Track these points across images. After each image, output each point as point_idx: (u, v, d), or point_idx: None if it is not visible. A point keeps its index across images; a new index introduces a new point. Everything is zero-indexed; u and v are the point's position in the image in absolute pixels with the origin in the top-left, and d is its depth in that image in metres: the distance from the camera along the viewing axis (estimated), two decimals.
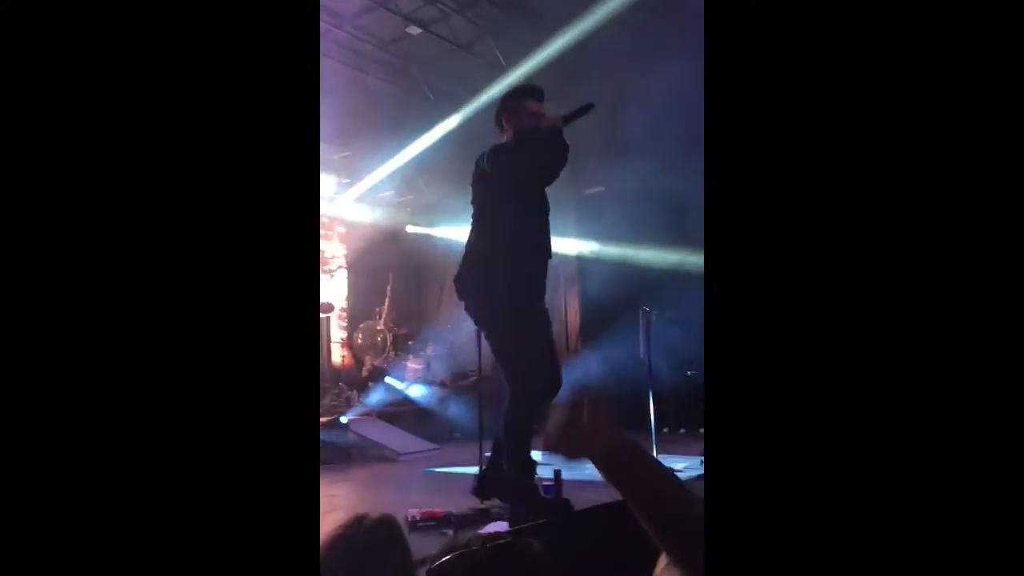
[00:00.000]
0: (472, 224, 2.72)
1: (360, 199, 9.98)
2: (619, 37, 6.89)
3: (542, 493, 2.83)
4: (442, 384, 8.58)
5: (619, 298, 8.51)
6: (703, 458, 4.77)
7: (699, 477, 4.39)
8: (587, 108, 2.80)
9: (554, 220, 3.00)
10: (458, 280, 2.70)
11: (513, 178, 2.60)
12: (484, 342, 2.81)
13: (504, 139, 2.76)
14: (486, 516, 3.44)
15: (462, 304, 2.76)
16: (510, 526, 2.50)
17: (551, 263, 2.78)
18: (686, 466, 4.96)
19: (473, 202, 2.72)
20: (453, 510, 3.02)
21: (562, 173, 2.62)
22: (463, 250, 2.73)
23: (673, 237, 8.32)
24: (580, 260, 9.10)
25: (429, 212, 10.25)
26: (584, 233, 9.02)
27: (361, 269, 10.22)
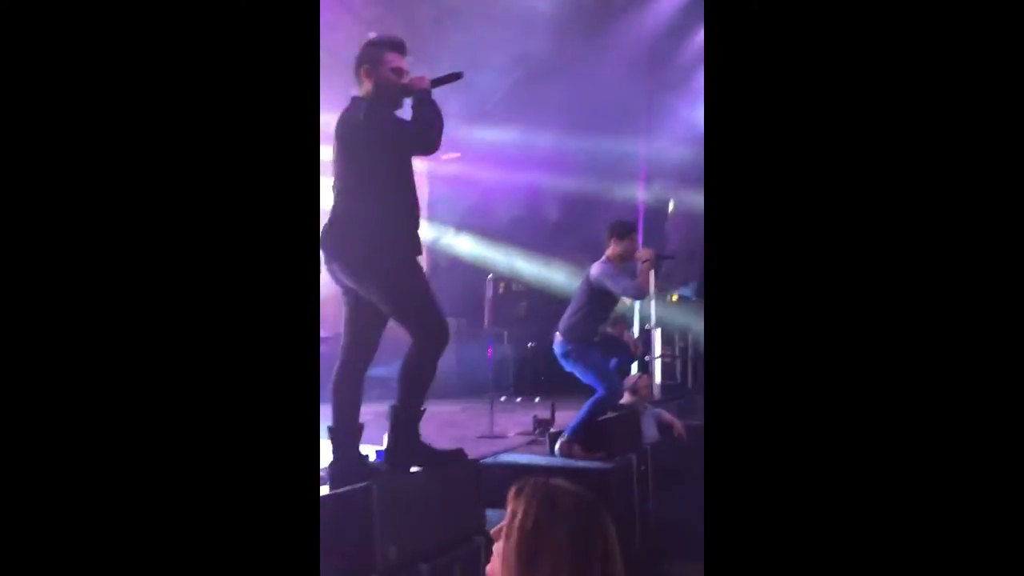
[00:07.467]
0: (338, 182, 2.49)
1: None
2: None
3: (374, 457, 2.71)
4: None
5: (466, 266, 8.49)
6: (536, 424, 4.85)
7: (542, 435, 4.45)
8: (455, 76, 2.66)
9: None
10: (328, 240, 2.45)
11: (390, 140, 2.42)
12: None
13: (361, 92, 2.56)
14: None
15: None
16: (330, 489, 2.35)
17: None
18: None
19: (337, 160, 2.49)
20: None
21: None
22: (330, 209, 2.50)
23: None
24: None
25: None
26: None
27: None
